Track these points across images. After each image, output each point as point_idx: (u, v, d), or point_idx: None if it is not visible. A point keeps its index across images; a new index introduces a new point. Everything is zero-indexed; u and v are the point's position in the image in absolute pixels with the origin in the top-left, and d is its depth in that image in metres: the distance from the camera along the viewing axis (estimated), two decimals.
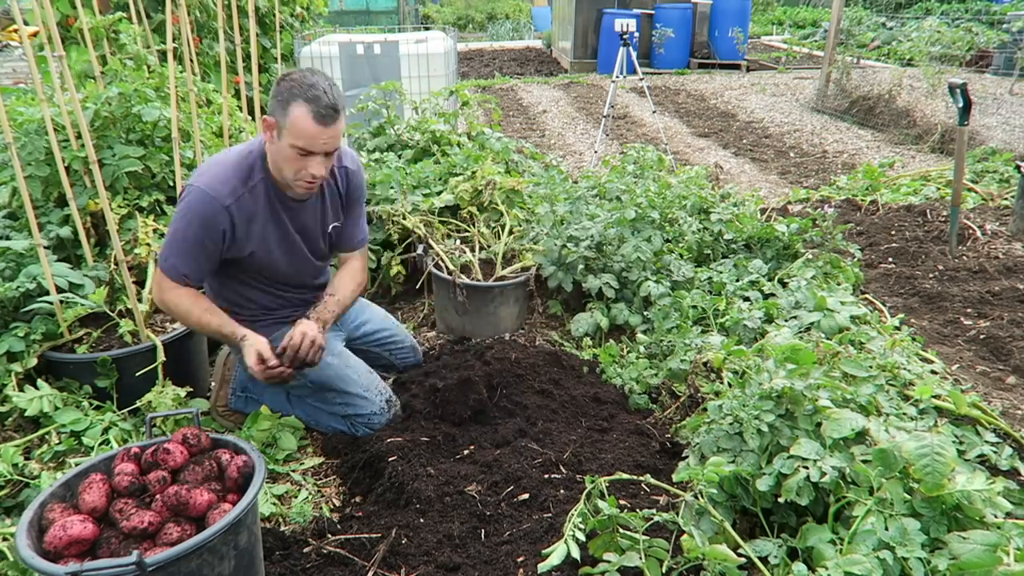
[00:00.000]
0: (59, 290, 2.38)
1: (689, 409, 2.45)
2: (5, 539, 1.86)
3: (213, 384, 2.56)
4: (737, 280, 3.07)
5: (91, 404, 2.35)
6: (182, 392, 2.38)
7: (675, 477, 1.81)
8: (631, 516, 1.64)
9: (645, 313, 3.04)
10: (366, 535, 1.94)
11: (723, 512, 1.73)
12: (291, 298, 2.43)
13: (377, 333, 2.70)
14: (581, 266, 3.12)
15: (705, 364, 2.47)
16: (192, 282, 2.16)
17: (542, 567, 1.56)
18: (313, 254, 2.38)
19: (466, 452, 2.26)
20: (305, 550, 1.93)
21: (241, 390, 2.53)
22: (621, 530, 1.64)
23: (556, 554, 1.55)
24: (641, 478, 1.82)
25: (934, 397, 2.02)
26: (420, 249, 3.25)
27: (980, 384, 2.61)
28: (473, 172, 3.64)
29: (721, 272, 3.14)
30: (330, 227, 2.39)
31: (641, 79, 6.54)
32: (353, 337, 2.65)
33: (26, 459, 2.14)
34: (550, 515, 1.93)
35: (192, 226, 2.07)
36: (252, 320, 2.33)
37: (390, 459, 2.20)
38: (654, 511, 1.69)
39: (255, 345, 2.16)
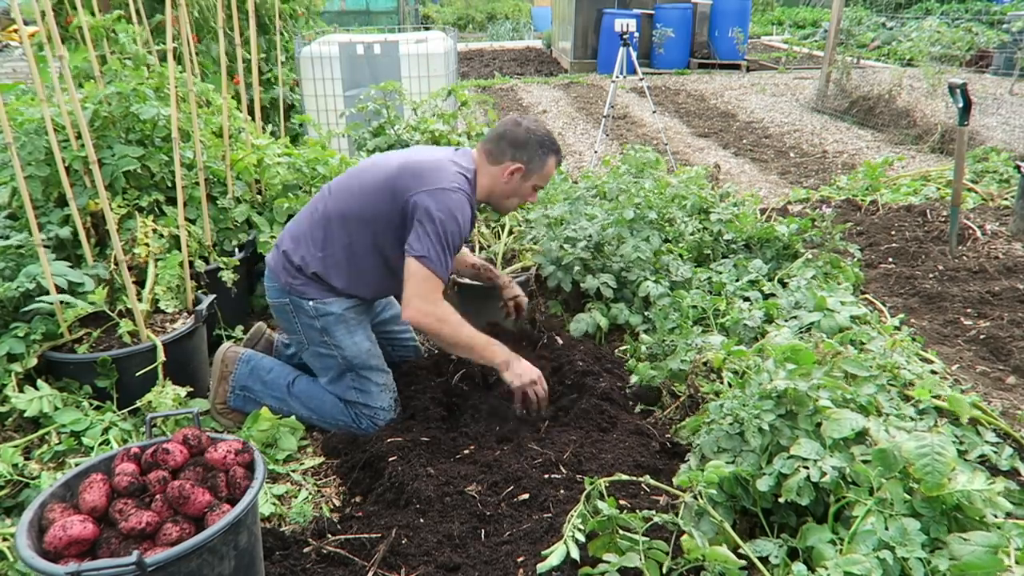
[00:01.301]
0: (59, 289, 2.38)
1: (689, 409, 2.45)
2: (5, 539, 1.86)
3: (211, 381, 2.56)
4: (737, 280, 3.07)
5: (91, 404, 2.35)
6: (182, 392, 2.39)
7: (675, 480, 1.81)
8: (631, 517, 1.63)
9: (645, 313, 3.04)
10: (366, 535, 1.94)
11: (723, 512, 1.73)
12: (375, 275, 2.48)
13: (392, 324, 2.78)
14: (578, 267, 3.12)
15: (705, 364, 2.47)
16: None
17: (541, 567, 1.56)
18: None
19: (466, 452, 2.26)
20: (305, 550, 1.93)
21: (240, 388, 2.53)
22: (621, 531, 1.64)
23: (555, 555, 1.55)
24: (641, 479, 1.82)
25: (934, 397, 2.02)
26: None
27: (980, 384, 2.61)
28: None
29: (721, 272, 3.14)
30: None
31: (641, 79, 6.54)
32: (373, 322, 2.68)
33: (26, 459, 2.13)
34: (550, 515, 1.93)
35: (462, 229, 2.29)
36: (300, 268, 2.40)
37: (390, 459, 2.20)
38: (654, 512, 1.69)
39: (535, 369, 2.37)
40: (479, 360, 2.39)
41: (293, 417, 2.47)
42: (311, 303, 2.39)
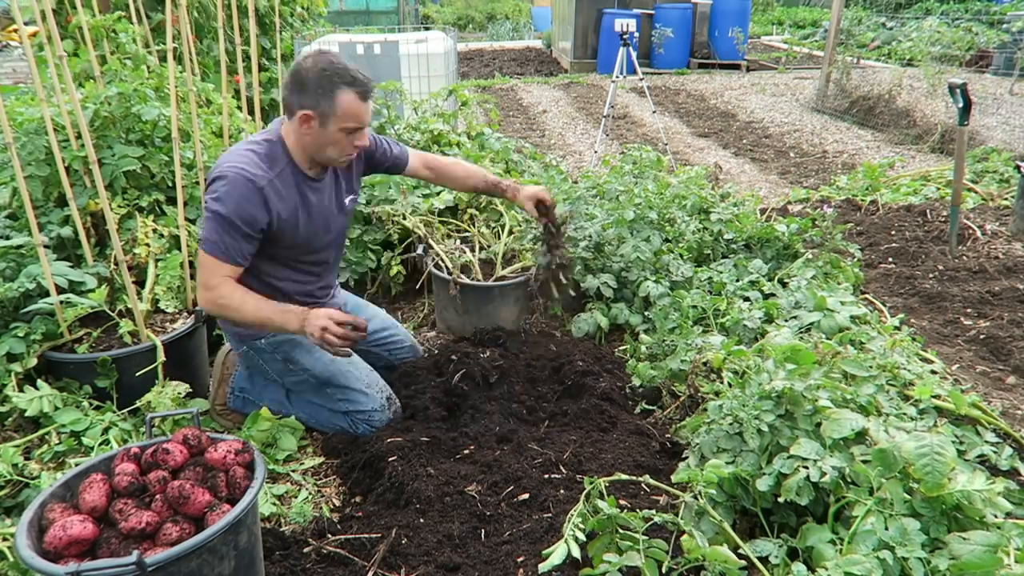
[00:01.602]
0: (59, 289, 2.38)
1: (689, 409, 2.45)
2: (5, 539, 1.86)
3: (212, 383, 2.56)
4: (737, 280, 3.07)
5: (91, 404, 2.35)
6: (182, 392, 2.38)
7: (674, 478, 1.81)
8: (631, 516, 1.63)
9: (645, 313, 3.04)
10: (366, 535, 1.94)
11: (723, 512, 1.73)
12: (310, 286, 2.43)
13: (378, 333, 2.70)
14: (579, 267, 3.12)
15: (705, 364, 2.47)
16: (241, 267, 2.16)
17: (543, 567, 1.56)
18: (334, 226, 2.42)
19: (466, 452, 2.26)
20: (305, 550, 1.93)
21: (239, 390, 2.53)
22: (621, 530, 1.64)
23: (556, 554, 1.55)
24: (640, 479, 1.82)
25: (934, 397, 2.02)
26: (420, 249, 3.25)
27: (980, 384, 2.61)
28: None
29: (721, 272, 3.14)
30: (347, 200, 2.47)
31: (641, 79, 6.54)
32: None
33: (26, 459, 2.13)
34: (550, 515, 1.93)
35: (238, 207, 2.09)
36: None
37: (390, 459, 2.20)
38: (654, 511, 1.69)
39: (322, 312, 2.11)
40: (278, 331, 2.25)
41: (292, 417, 2.48)
42: (262, 341, 2.37)
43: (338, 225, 2.45)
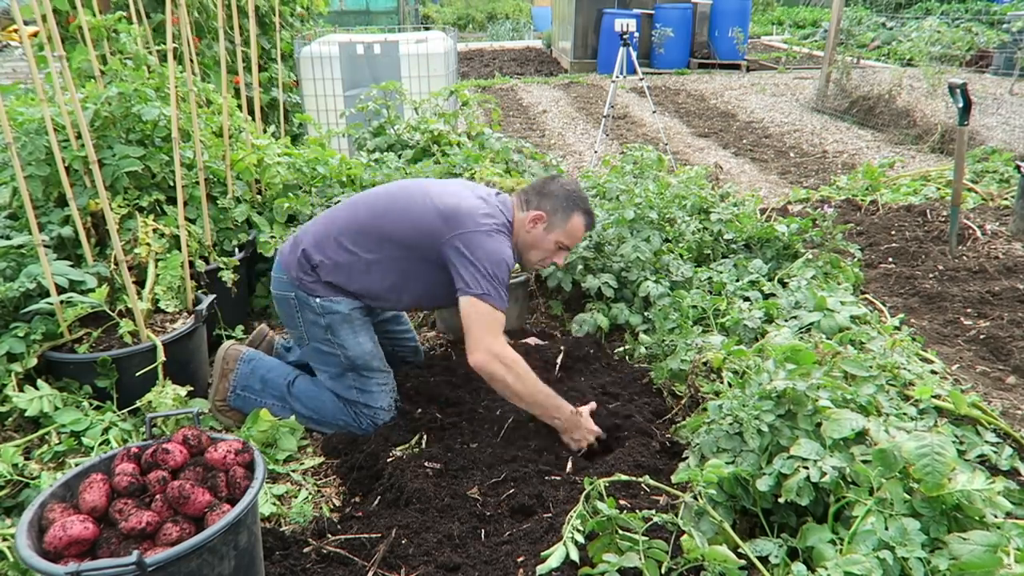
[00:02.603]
0: (59, 289, 2.38)
1: (689, 409, 2.45)
2: (5, 539, 1.86)
3: (213, 379, 2.57)
4: (737, 280, 3.07)
5: (91, 404, 2.35)
6: (182, 392, 2.38)
7: (674, 478, 1.81)
8: (630, 517, 1.63)
9: (645, 313, 3.04)
10: (366, 535, 1.94)
11: (723, 512, 1.73)
12: (382, 287, 2.46)
13: (394, 325, 2.80)
14: (580, 266, 3.12)
15: (705, 364, 2.47)
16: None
17: (541, 569, 1.56)
18: None
19: (466, 452, 2.26)
20: (305, 550, 1.93)
21: (241, 388, 2.53)
22: (620, 531, 1.64)
23: (555, 556, 1.55)
24: (640, 479, 1.82)
25: (934, 397, 2.02)
26: None
27: (980, 384, 2.61)
28: (472, 174, 3.64)
29: (721, 272, 3.14)
30: None
31: (641, 79, 6.54)
32: (374, 322, 2.66)
33: (26, 459, 2.13)
34: (550, 515, 1.93)
35: (508, 266, 2.28)
36: (316, 268, 2.39)
37: (390, 459, 2.20)
38: (653, 512, 1.69)
39: (589, 425, 2.25)
40: (540, 416, 2.27)
41: (293, 418, 2.47)
42: (318, 300, 2.39)
43: None
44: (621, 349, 2.94)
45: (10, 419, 2.25)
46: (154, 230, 2.76)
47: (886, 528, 1.49)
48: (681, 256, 3.26)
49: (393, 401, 2.50)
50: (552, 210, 2.40)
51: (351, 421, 2.45)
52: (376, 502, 2.09)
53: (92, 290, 2.44)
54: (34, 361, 2.30)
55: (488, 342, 2.18)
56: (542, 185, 2.45)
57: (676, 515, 1.72)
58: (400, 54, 5.50)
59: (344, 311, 2.40)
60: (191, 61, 2.80)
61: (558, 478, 2.11)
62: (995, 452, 1.92)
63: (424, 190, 2.44)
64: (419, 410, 2.48)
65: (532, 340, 2.89)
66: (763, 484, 1.69)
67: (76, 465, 1.93)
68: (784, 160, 6.67)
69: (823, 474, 1.61)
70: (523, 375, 2.19)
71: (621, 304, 3.10)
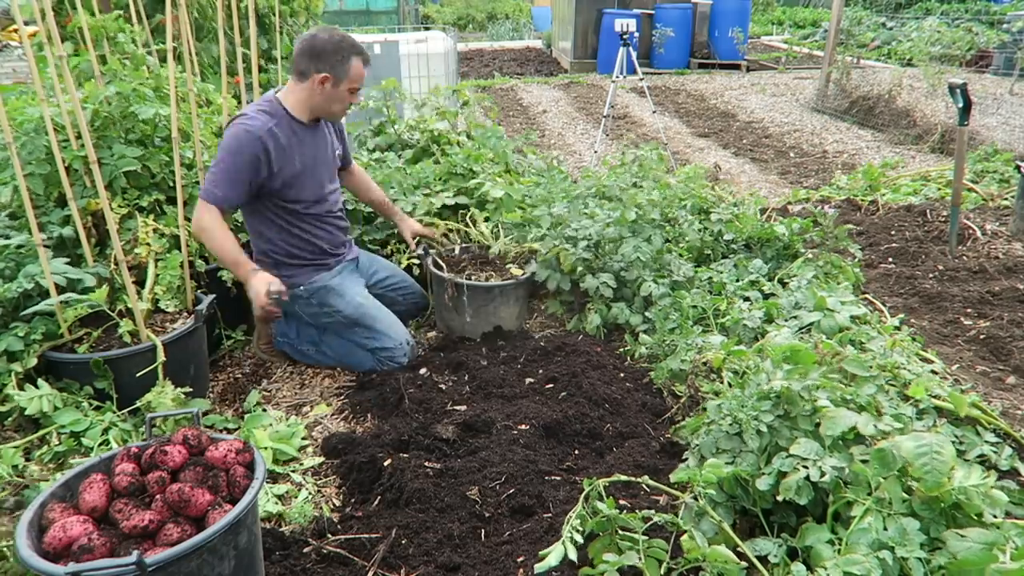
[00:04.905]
0: (59, 289, 2.38)
1: (689, 409, 2.45)
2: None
3: (257, 325, 3.01)
4: (737, 280, 3.07)
5: (91, 405, 2.35)
6: (182, 392, 2.38)
7: (673, 478, 1.80)
8: (630, 517, 1.63)
9: (646, 313, 3.04)
10: (366, 535, 1.94)
11: (723, 512, 1.73)
12: (311, 233, 2.81)
13: (388, 279, 3.15)
14: (580, 267, 3.11)
15: (705, 364, 2.47)
16: (226, 207, 2.56)
17: (539, 567, 1.56)
18: (327, 170, 2.87)
19: (466, 451, 2.26)
20: (305, 550, 1.93)
21: (282, 335, 2.95)
22: (620, 531, 1.64)
23: (553, 554, 1.54)
24: (639, 479, 1.82)
25: (934, 397, 2.02)
26: (420, 249, 3.25)
27: (980, 384, 2.60)
28: (473, 174, 3.63)
29: (721, 272, 3.13)
30: (337, 150, 2.94)
31: (641, 79, 6.54)
32: (369, 284, 3.05)
33: (26, 460, 2.13)
34: (550, 515, 1.93)
35: (239, 154, 2.52)
36: (275, 265, 2.76)
37: (390, 459, 2.20)
38: (653, 512, 1.69)
39: (265, 278, 2.54)
40: (230, 269, 2.72)
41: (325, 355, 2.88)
42: (302, 288, 2.79)
43: (331, 168, 2.88)
44: (621, 349, 2.94)
45: (10, 419, 2.25)
46: (154, 230, 2.76)
47: (885, 528, 1.49)
48: (681, 256, 3.26)
49: (406, 342, 2.84)
50: (332, 67, 2.58)
51: (376, 365, 2.82)
52: (376, 502, 2.10)
53: (92, 290, 2.43)
54: (34, 361, 2.30)
55: (194, 220, 2.57)
56: (309, 48, 2.58)
57: (676, 515, 1.72)
58: (400, 54, 5.51)
59: (324, 284, 2.81)
60: (191, 61, 2.80)
61: (558, 478, 2.11)
62: (995, 452, 1.92)
63: None
64: (420, 410, 2.47)
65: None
66: (763, 484, 1.69)
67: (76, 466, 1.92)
68: (784, 160, 6.67)
69: (822, 474, 1.61)
70: (211, 231, 2.54)
71: (621, 304, 3.09)
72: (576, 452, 2.27)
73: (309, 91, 2.63)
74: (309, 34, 2.61)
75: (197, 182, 2.93)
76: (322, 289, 2.80)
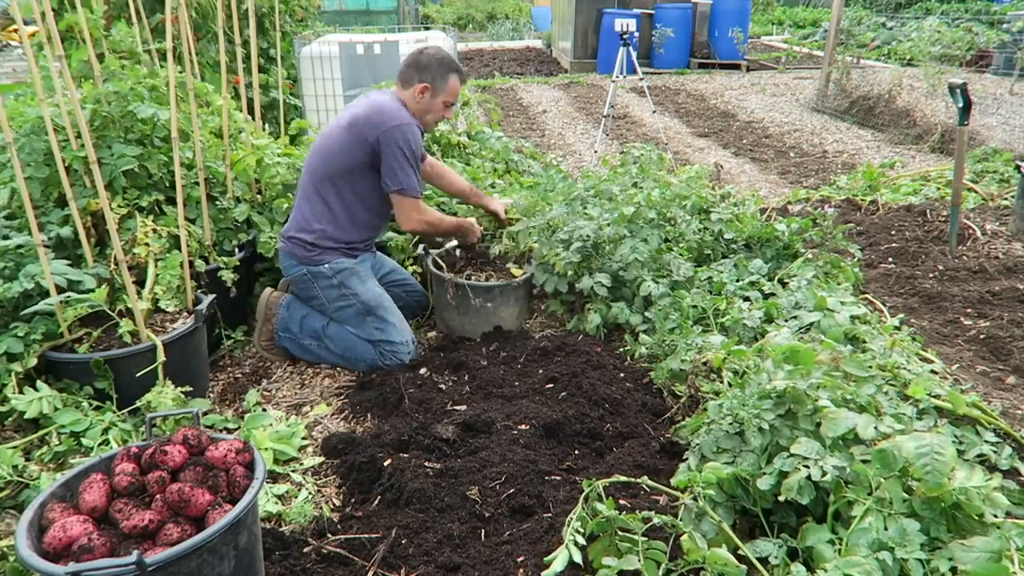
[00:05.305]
0: (59, 289, 2.38)
1: (689, 409, 2.45)
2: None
3: (257, 323, 3.01)
4: (737, 280, 3.07)
5: (91, 405, 2.35)
6: (182, 392, 2.38)
7: (673, 481, 1.80)
8: (630, 518, 1.63)
9: (645, 313, 3.04)
10: (366, 535, 1.94)
11: (723, 513, 1.73)
12: (368, 224, 3.02)
13: (393, 275, 3.24)
14: (572, 270, 3.09)
15: (705, 364, 2.47)
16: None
17: (545, 574, 1.55)
18: None
19: (466, 451, 2.26)
20: (305, 550, 1.93)
21: (283, 330, 2.96)
22: (620, 532, 1.64)
23: (559, 560, 1.54)
24: (639, 480, 1.82)
25: (934, 397, 2.02)
26: (420, 249, 3.25)
27: (980, 384, 2.60)
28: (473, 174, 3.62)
29: (721, 272, 3.13)
30: None
31: (641, 79, 6.55)
32: (377, 279, 3.10)
33: (26, 460, 2.13)
34: (550, 515, 1.93)
35: (418, 147, 2.85)
36: (312, 242, 2.88)
37: (389, 459, 2.20)
38: (653, 512, 1.68)
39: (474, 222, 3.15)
40: (461, 228, 3.15)
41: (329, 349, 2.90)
42: (327, 266, 2.88)
43: None
44: (621, 349, 2.94)
45: (10, 419, 2.25)
46: (154, 230, 2.76)
47: (885, 528, 1.49)
48: (681, 255, 3.26)
49: (411, 339, 2.91)
50: (432, 79, 2.86)
51: (377, 359, 2.84)
52: (376, 502, 2.09)
53: (91, 290, 2.43)
54: (34, 361, 2.30)
55: (415, 217, 2.94)
56: (415, 61, 2.88)
57: (676, 516, 1.72)
58: (400, 54, 5.50)
59: (349, 266, 2.90)
60: (190, 61, 2.80)
61: (558, 478, 2.11)
62: (995, 452, 1.92)
63: (342, 112, 3.05)
64: (420, 410, 2.47)
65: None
66: (764, 483, 1.69)
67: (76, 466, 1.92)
68: (784, 160, 6.67)
69: (824, 473, 1.61)
70: (440, 220, 3.05)
71: (620, 304, 3.09)
72: (576, 452, 2.27)
73: (409, 99, 2.89)
74: (417, 49, 2.91)
75: (196, 182, 2.93)
76: (346, 271, 2.90)
